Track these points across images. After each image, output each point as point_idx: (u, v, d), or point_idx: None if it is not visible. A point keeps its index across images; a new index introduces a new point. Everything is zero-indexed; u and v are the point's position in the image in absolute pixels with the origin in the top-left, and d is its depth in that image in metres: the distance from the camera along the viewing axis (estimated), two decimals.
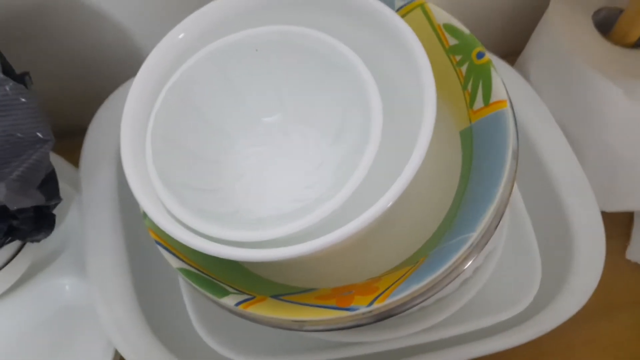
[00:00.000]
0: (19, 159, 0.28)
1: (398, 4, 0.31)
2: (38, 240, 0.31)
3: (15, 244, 0.32)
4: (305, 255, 0.24)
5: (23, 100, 0.28)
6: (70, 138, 0.38)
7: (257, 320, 0.27)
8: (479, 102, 0.29)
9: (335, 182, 0.29)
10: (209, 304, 0.28)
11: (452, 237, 0.26)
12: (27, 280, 0.34)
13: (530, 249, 0.35)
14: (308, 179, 0.31)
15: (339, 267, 0.29)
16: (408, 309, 0.26)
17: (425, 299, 0.26)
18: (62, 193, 0.36)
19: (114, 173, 0.37)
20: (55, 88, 0.42)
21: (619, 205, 0.42)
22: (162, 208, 0.26)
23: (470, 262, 0.26)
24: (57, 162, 0.38)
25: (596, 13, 0.41)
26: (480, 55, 0.29)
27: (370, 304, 0.25)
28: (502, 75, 0.42)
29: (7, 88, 0.28)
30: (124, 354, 0.31)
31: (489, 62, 0.29)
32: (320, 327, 0.26)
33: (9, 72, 0.30)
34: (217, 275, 0.28)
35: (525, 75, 0.44)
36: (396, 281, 0.26)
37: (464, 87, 0.30)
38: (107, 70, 0.42)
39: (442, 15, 0.30)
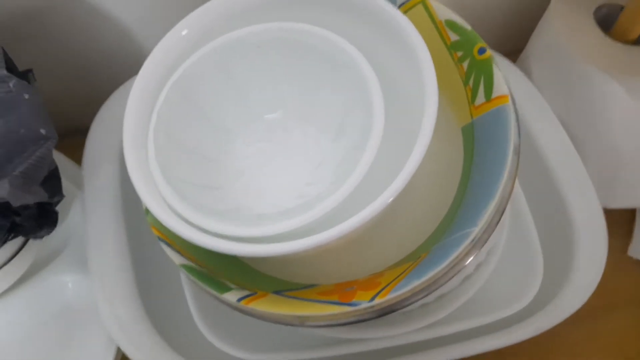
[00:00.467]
0: (22, 156, 0.28)
1: (399, 0, 0.31)
2: (41, 237, 0.31)
3: (18, 240, 0.32)
4: (307, 251, 0.24)
5: (26, 97, 0.28)
6: (73, 137, 0.38)
7: (259, 316, 0.27)
8: (480, 98, 0.29)
9: (336, 179, 0.29)
10: (211, 300, 0.28)
11: (454, 232, 0.26)
12: (30, 277, 0.34)
13: (532, 246, 0.35)
14: (309, 175, 0.31)
15: (341, 263, 0.30)
16: (410, 304, 0.26)
17: (427, 295, 0.26)
18: (64, 191, 0.36)
19: (116, 171, 0.37)
20: (57, 88, 0.42)
21: (620, 202, 0.42)
22: (163, 204, 0.26)
23: (471, 258, 0.26)
24: (60, 160, 0.38)
25: (597, 10, 0.41)
26: (481, 51, 0.29)
27: (372, 299, 0.25)
28: (504, 72, 0.43)
29: (11, 85, 0.28)
30: (126, 351, 0.31)
31: (491, 57, 0.29)
32: (323, 323, 0.26)
33: (12, 69, 0.30)
34: (218, 271, 0.28)
35: (527, 73, 0.44)
36: (398, 276, 0.26)
37: (466, 83, 0.30)
38: (109, 70, 0.42)
39: (443, 11, 0.31)
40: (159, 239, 0.28)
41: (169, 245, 0.28)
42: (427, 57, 0.26)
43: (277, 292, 0.27)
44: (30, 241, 0.33)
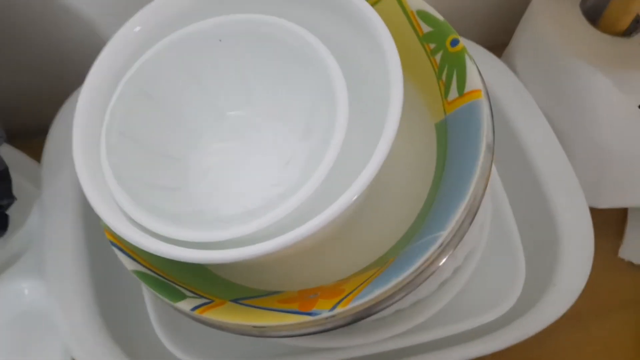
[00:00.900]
0: None
1: None
2: None
3: None
4: (265, 256, 0.22)
5: None
6: (37, 136, 0.37)
7: (217, 326, 0.25)
8: (453, 93, 0.27)
9: (302, 178, 0.27)
10: (172, 308, 0.26)
11: (422, 236, 0.25)
12: None
13: (514, 248, 0.33)
14: (276, 175, 0.30)
15: (306, 268, 0.28)
16: (376, 312, 0.25)
17: (393, 302, 0.25)
18: (25, 192, 0.34)
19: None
20: (19, 84, 0.41)
21: (610, 202, 0.40)
22: (114, 207, 0.25)
23: (441, 262, 0.25)
24: (21, 159, 0.36)
25: (584, 0, 0.39)
26: (454, 43, 0.27)
27: (333, 308, 0.23)
28: (488, 66, 0.41)
29: None
30: None
31: (464, 49, 0.27)
32: (283, 333, 0.25)
33: None
34: (175, 277, 0.26)
35: (512, 67, 0.42)
36: (361, 284, 0.24)
37: (439, 77, 0.28)
38: (73, 65, 0.40)
39: (415, 1, 0.29)
40: (112, 243, 0.26)
41: (122, 250, 0.26)
42: (394, 53, 0.24)
43: (235, 300, 0.26)
44: None
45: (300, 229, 0.22)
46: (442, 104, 0.28)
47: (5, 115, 0.42)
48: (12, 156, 0.36)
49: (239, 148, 0.31)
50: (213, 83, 0.30)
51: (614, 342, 0.41)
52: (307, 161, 0.29)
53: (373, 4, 0.29)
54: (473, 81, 0.26)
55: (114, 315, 0.32)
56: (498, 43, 0.46)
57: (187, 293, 0.25)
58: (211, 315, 0.24)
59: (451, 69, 0.28)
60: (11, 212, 0.32)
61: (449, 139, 0.27)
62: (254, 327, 0.24)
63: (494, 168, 0.36)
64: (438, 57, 0.28)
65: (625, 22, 0.37)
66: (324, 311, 0.23)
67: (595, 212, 0.40)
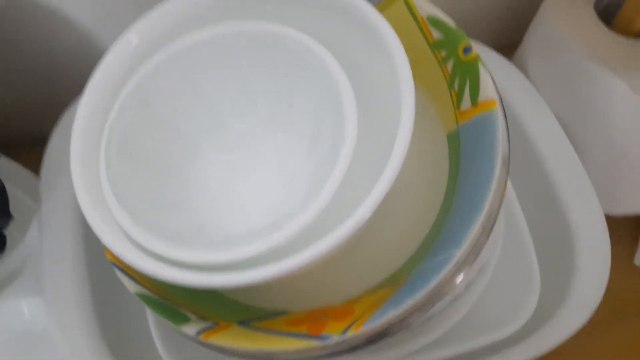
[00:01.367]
0: None
1: None
2: None
3: None
4: (267, 281, 0.21)
5: None
6: (36, 147, 0.36)
7: (222, 351, 0.24)
8: (466, 102, 0.26)
9: (309, 193, 0.27)
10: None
11: (436, 254, 0.24)
12: None
13: (528, 261, 0.32)
14: (281, 189, 0.29)
15: (313, 287, 0.27)
16: (388, 335, 0.23)
17: (407, 324, 0.24)
18: (24, 206, 0.33)
19: None
20: (16, 95, 0.40)
21: (625, 209, 0.39)
22: (114, 227, 0.24)
23: (458, 281, 0.24)
24: (18, 172, 0.35)
25: (598, 1, 0.38)
26: (467, 51, 0.26)
27: (344, 332, 0.22)
28: (498, 68, 0.40)
29: None
30: None
31: (477, 57, 0.26)
32: (292, 357, 0.24)
33: None
34: (178, 298, 0.25)
35: (523, 68, 0.41)
36: (373, 305, 0.23)
37: (450, 86, 0.27)
38: (71, 74, 0.39)
39: (425, 7, 0.28)
40: (113, 264, 0.25)
41: (123, 271, 0.25)
42: (404, 63, 0.23)
43: (241, 323, 0.25)
44: None
45: (309, 250, 0.21)
46: (454, 114, 0.27)
47: (2, 124, 0.41)
48: (10, 169, 0.35)
49: (242, 160, 0.30)
50: (215, 93, 0.29)
51: (630, 350, 0.40)
52: (313, 175, 0.28)
53: (382, 10, 0.28)
54: (487, 91, 0.25)
55: (115, 336, 0.31)
56: (509, 43, 0.45)
57: (191, 316, 0.25)
58: (217, 340, 0.23)
59: (463, 77, 0.26)
60: (9, 227, 0.31)
61: (461, 150, 0.26)
62: (262, 352, 0.23)
63: None
64: (450, 65, 0.27)
65: None
66: (335, 335, 0.22)
67: (610, 218, 0.39)
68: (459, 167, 0.26)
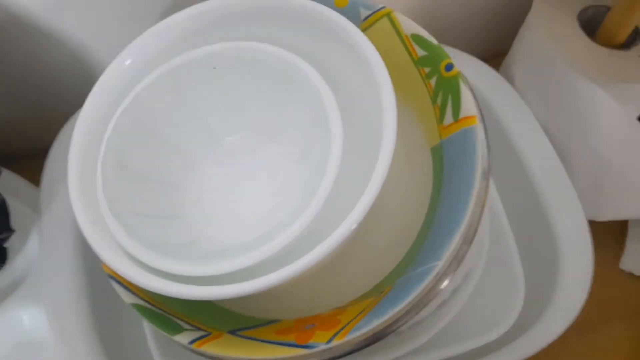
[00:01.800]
0: None
1: (364, 13, 0.30)
2: None
3: None
4: (257, 292, 0.22)
5: None
6: (35, 159, 0.37)
7: (214, 359, 0.25)
8: (448, 118, 0.27)
9: (300, 204, 0.27)
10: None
11: (418, 265, 0.25)
12: None
13: (513, 266, 0.33)
14: (273, 200, 0.30)
15: (303, 296, 0.28)
16: (372, 343, 0.25)
17: (391, 332, 0.25)
18: (24, 217, 0.34)
19: None
20: (17, 109, 0.41)
21: (609, 215, 0.40)
22: (110, 241, 0.25)
23: (438, 291, 0.25)
24: (19, 184, 0.36)
25: (582, 12, 0.39)
26: (448, 68, 0.27)
27: (330, 340, 0.23)
28: (485, 78, 0.41)
29: None
30: None
31: (458, 74, 0.27)
32: None
33: None
34: (172, 308, 0.27)
35: (510, 78, 0.42)
36: (358, 315, 0.24)
37: (434, 101, 0.28)
38: (70, 88, 0.40)
39: (409, 25, 0.29)
40: (109, 276, 0.26)
41: (119, 282, 0.26)
42: (386, 80, 0.24)
43: (233, 332, 0.26)
44: None
45: (297, 263, 0.22)
46: (438, 129, 0.28)
47: (4, 137, 0.42)
48: (10, 181, 0.36)
49: (236, 173, 0.31)
50: (208, 109, 0.30)
51: (616, 354, 0.40)
52: (303, 187, 0.29)
53: (367, 27, 0.29)
54: (467, 107, 0.26)
55: (113, 344, 0.31)
56: (497, 52, 0.46)
57: (185, 325, 0.26)
58: (208, 348, 0.24)
59: (446, 93, 0.27)
60: (10, 239, 0.32)
61: (444, 164, 0.27)
62: None
63: (491, 183, 0.36)
64: (433, 81, 0.28)
65: (623, 34, 0.37)
66: (321, 344, 0.23)
67: (596, 223, 0.40)
68: (442, 180, 0.27)
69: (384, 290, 0.25)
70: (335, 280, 0.28)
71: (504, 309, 0.33)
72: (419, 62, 0.29)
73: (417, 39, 0.28)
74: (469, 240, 0.25)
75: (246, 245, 0.27)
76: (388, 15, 0.29)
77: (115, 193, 0.26)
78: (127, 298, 0.26)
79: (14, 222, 0.33)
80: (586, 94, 0.36)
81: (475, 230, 0.26)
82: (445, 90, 0.27)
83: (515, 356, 0.33)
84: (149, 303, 0.26)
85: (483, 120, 0.27)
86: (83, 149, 0.26)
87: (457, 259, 0.25)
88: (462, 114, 0.26)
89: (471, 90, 0.27)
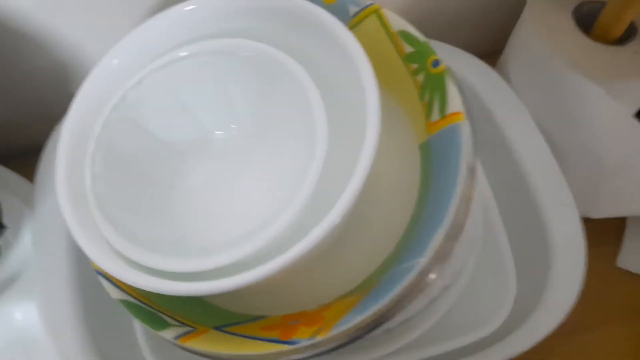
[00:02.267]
0: None
1: (352, 10, 0.30)
2: None
3: None
4: (243, 286, 0.23)
5: None
6: (35, 155, 0.37)
7: (203, 355, 0.25)
8: (435, 114, 0.27)
9: (287, 200, 0.28)
10: None
11: (402, 262, 0.25)
12: None
13: (505, 265, 0.33)
14: (261, 196, 0.30)
15: (290, 292, 0.28)
16: (355, 339, 0.25)
17: (374, 328, 0.25)
18: (18, 213, 0.35)
19: None
20: (12, 105, 0.42)
21: (605, 212, 0.40)
22: (98, 237, 0.25)
23: (426, 283, 0.25)
24: (13, 179, 0.37)
25: (577, 8, 0.39)
26: (435, 64, 0.27)
27: (312, 337, 0.23)
28: (480, 75, 0.41)
29: None
30: None
31: (444, 70, 0.27)
32: None
33: None
34: (159, 303, 0.27)
35: (506, 75, 0.42)
36: (342, 311, 0.24)
37: (422, 98, 0.28)
38: (68, 87, 0.40)
39: (397, 22, 0.29)
40: (97, 272, 0.27)
41: (107, 278, 0.27)
42: (370, 79, 0.25)
43: (218, 327, 0.26)
44: None
45: (282, 257, 0.23)
46: (426, 125, 0.28)
47: (2, 134, 0.43)
48: (5, 176, 0.36)
49: (224, 169, 0.31)
50: (197, 106, 0.30)
51: (613, 352, 0.40)
52: (290, 182, 0.29)
53: (356, 24, 0.29)
54: (454, 103, 0.26)
55: (106, 342, 0.32)
56: (494, 49, 0.46)
57: (171, 321, 0.26)
58: (193, 344, 0.24)
59: (433, 90, 0.27)
60: (3, 235, 0.33)
61: (431, 160, 0.27)
62: (237, 356, 0.24)
63: (485, 181, 0.36)
64: (420, 77, 0.28)
65: (619, 30, 0.36)
66: (303, 340, 0.23)
67: (594, 221, 0.40)
68: (428, 177, 0.27)
69: (368, 287, 0.25)
70: (322, 277, 0.28)
71: (494, 306, 0.33)
72: (406, 59, 0.29)
73: (405, 35, 0.28)
74: (453, 236, 0.25)
75: (233, 241, 0.27)
76: (376, 11, 0.29)
77: (104, 189, 0.27)
78: (114, 294, 0.26)
79: (9, 218, 0.33)
80: (581, 90, 0.36)
81: (461, 226, 0.26)
82: (432, 86, 0.27)
83: (506, 353, 0.32)
84: (136, 298, 0.26)
85: (471, 116, 0.27)
86: (72, 145, 0.27)
87: (442, 256, 0.25)
88: (448, 111, 0.26)
89: (458, 86, 0.27)
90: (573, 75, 0.36)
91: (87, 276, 0.33)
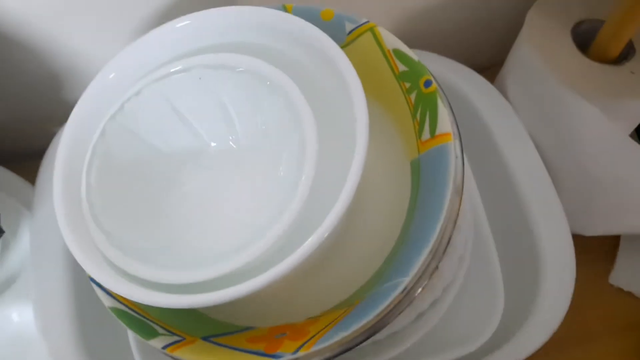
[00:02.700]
0: None
1: (349, 27, 0.30)
2: None
3: None
4: (232, 300, 0.23)
5: None
6: (34, 159, 0.38)
7: None
8: (426, 133, 0.28)
9: (278, 212, 0.28)
10: None
11: (387, 280, 0.25)
12: None
13: (494, 280, 0.33)
14: (254, 207, 0.30)
15: (278, 304, 0.29)
16: (339, 354, 0.25)
17: (358, 344, 0.25)
18: (17, 214, 0.36)
19: None
20: (13, 112, 0.42)
21: (598, 229, 0.40)
22: (91, 247, 0.26)
23: (405, 306, 0.25)
24: (13, 181, 0.37)
25: (576, 26, 0.39)
26: (427, 84, 0.28)
27: (296, 351, 0.24)
28: (478, 89, 0.41)
29: None
30: None
31: (436, 91, 0.27)
32: None
33: None
34: (150, 312, 0.27)
35: (504, 91, 0.42)
36: (326, 327, 0.25)
37: (414, 116, 0.29)
38: (70, 93, 0.41)
39: (392, 40, 0.29)
40: (90, 279, 0.27)
41: (99, 285, 0.27)
42: (361, 99, 0.25)
43: (206, 338, 0.26)
44: None
45: (269, 272, 0.23)
46: (417, 143, 0.28)
47: (5, 137, 0.43)
48: (5, 178, 0.37)
49: (218, 181, 0.31)
50: (193, 117, 0.31)
51: None
52: (283, 194, 0.29)
53: (351, 42, 0.30)
54: (444, 123, 0.27)
55: (98, 345, 0.32)
56: (497, 61, 0.46)
57: (160, 330, 0.26)
58: (181, 354, 0.25)
59: (424, 109, 0.28)
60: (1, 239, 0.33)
61: (421, 179, 0.28)
62: None
63: (476, 194, 0.36)
64: (413, 96, 0.28)
65: (617, 48, 0.37)
66: (287, 354, 0.24)
67: (588, 238, 0.40)
68: (418, 194, 0.28)
69: (354, 303, 0.26)
70: (310, 290, 0.29)
71: (483, 320, 0.33)
72: (400, 77, 0.29)
73: (399, 54, 0.29)
74: (439, 256, 0.26)
75: (224, 252, 0.28)
76: (371, 29, 0.29)
77: (98, 199, 0.27)
78: (106, 301, 0.27)
79: (9, 220, 0.34)
80: (577, 109, 0.36)
81: (447, 245, 0.26)
82: (424, 106, 0.28)
83: None
84: (127, 307, 0.27)
85: (459, 137, 0.27)
86: (70, 154, 0.27)
87: (426, 274, 0.25)
88: (438, 131, 0.27)
89: (449, 107, 0.27)
90: (569, 94, 0.36)
91: (82, 280, 0.34)
